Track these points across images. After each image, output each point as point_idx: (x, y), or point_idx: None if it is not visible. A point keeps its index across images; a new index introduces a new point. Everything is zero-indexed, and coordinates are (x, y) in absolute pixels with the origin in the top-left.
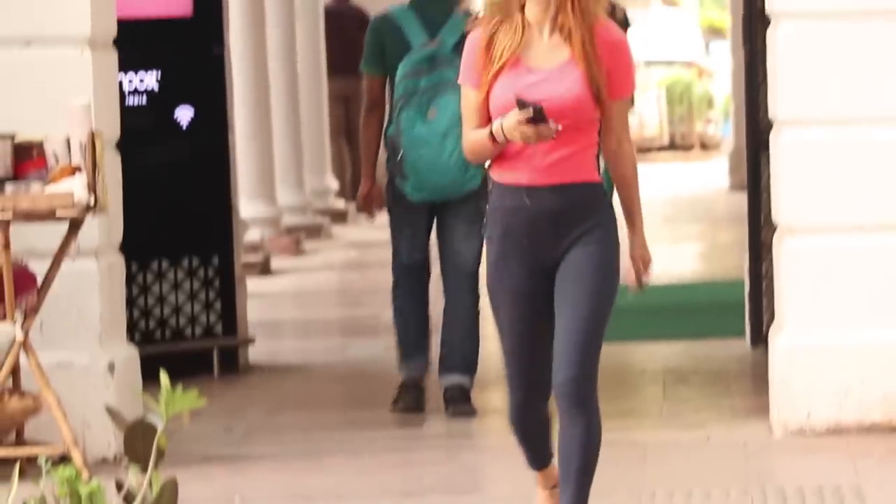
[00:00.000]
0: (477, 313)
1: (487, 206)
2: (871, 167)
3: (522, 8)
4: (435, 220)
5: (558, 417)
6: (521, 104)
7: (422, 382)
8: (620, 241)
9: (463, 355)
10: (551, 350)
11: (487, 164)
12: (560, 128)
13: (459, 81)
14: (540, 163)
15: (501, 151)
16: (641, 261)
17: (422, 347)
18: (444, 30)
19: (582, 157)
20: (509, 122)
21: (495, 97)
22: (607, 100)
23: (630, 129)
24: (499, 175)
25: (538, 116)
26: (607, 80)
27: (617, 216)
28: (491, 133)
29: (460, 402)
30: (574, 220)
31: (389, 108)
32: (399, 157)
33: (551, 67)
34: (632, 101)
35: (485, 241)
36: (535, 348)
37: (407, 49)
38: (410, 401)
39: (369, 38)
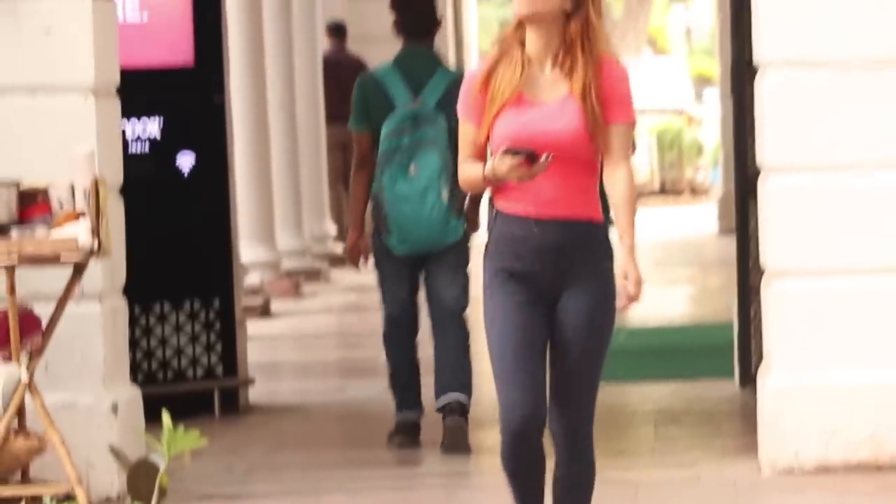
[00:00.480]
0: (467, 347)
1: (489, 234)
2: (855, 212)
3: (522, 42)
4: (421, 270)
5: (554, 461)
6: (513, 153)
7: (417, 424)
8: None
9: (457, 378)
10: (544, 379)
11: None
12: (552, 156)
13: (458, 114)
14: (546, 196)
15: (508, 184)
16: (629, 278)
17: (412, 398)
18: (426, 88)
19: (585, 193)
20: (501, 167)
21: (498, 135)
22: (604, 125)
23: (630, 158)
24: (505, 205)
25: (529, 159)
26: (605, 106)
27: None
28: (485, 177)
29: (458, 413)
30: (576, 257)
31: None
32: (383, 213)
33: (552, 101)
34: (633, 147)
35: (483, 268)
36: (531, 365)
37: (391, 107)
38: (405, 439)
39: (356, 97)
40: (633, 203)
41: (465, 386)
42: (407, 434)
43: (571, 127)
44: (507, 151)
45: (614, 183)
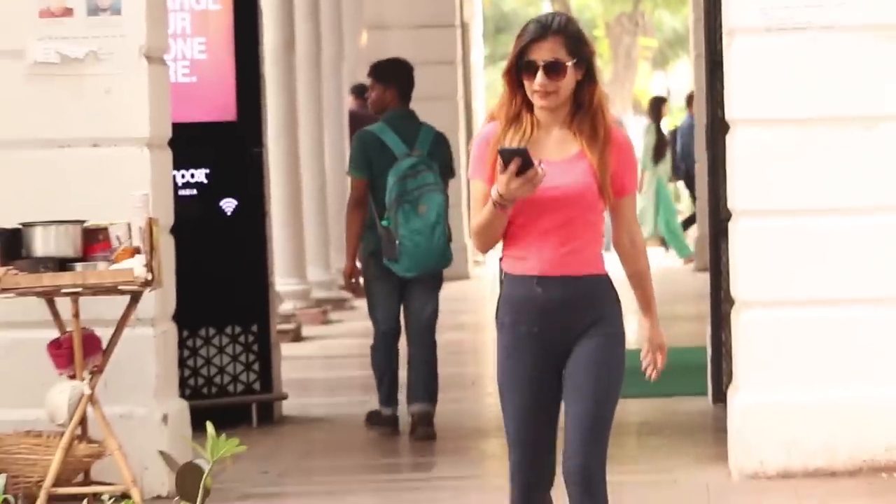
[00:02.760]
0: (435, 358)
1: (498, 297)
2: (813, 251)
3: (529, 106)
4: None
5: (569, 501)
6: (505, 154)
7: (395, 417)
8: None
9: (426, 389)
10: (555, 437)
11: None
12: (545, 168)
13: (470, 176)
14: (551, 255)
15: (512, 243)
16: (657, 347)
17: (394, 397)
18: (418, 141)
19: (590, 251)
20: (503, 182)
21: None
22: (614, 199)
23: (639, 223)
24: (510, 266)
25: (524, 161)
26: (613, 178)
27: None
28: (494, 203)
29: (425, 424)
30: (583, 311)
31: (380, 206)
32: (395, 244)
33: (561, 159)
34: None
35: (496, 330)
36: (541, 435)
37: (391, 157)
38: (387, 429)
39: (358, 149)
40: (650, 277)
41: (433, 396)
42: (388, 426)
43: (581, 183)
44: (500, 153)
45: (635, 254)
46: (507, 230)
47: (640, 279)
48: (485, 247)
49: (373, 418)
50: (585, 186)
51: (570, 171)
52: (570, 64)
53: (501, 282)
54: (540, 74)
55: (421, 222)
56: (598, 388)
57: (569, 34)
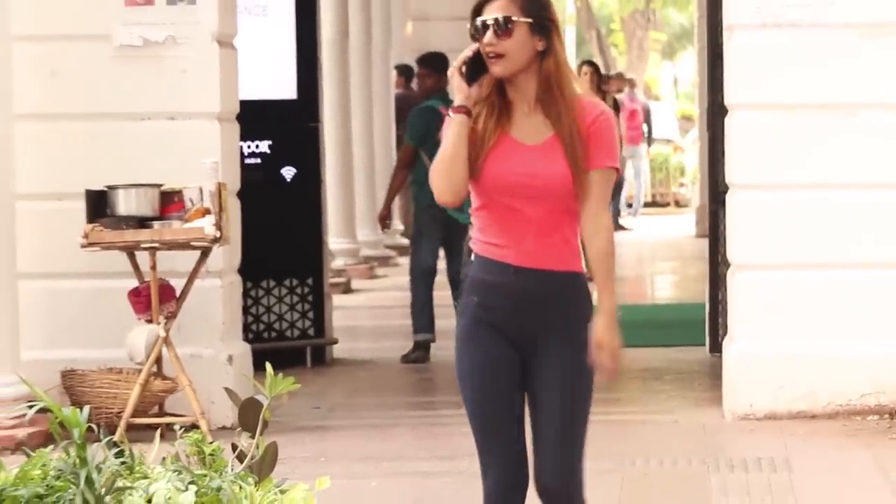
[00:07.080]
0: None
1: (467, 279)
2: (801, 221)
3: (498, 87)
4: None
5: None
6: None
7: (427, 344)
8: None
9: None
10: (522, 429)
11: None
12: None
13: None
14: (528, 246)
15: (487, 231)
16: (607, 348)
17: (427, 325)
18: None
19: (568, 245)
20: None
21: (488, 174)
22: (584, 172)
23: (608, 206)
24: (484, 250)
25: (476, 59)
26: (585, 152)
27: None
28: (455, 110)
29: (427, 347)
30: (553, 307)
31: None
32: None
33: (537, 144)
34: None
35: (456, 314)
36: (505, 420)
37: None
38: (420, 356)
39: (418, 122)
40: (613, 257)
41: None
42: (421, 353)
43: (556, 170)
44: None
45: (594, 233)
46: (481, 218)
47: (597, 262)
48: (447, 187)
49: (408, 352)
50: (563, 173)
51: (546, 156)
52: (520, 21)
53: (471, 262)
54: (488, 33)
55: None
56: (566, 406)
57: None
